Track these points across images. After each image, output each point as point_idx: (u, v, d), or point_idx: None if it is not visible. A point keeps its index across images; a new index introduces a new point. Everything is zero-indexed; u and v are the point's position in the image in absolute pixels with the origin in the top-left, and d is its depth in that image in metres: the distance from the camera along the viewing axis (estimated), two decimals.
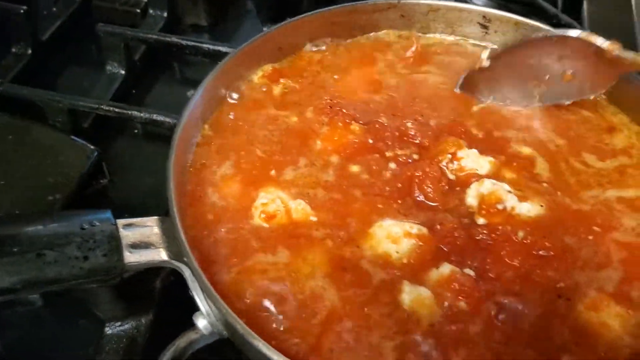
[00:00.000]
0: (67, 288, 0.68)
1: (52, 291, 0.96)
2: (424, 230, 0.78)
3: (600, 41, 0.89)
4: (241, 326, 0.66)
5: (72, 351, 0.95)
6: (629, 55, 0.88)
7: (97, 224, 0.70)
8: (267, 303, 0.73)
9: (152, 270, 0.93)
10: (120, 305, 0.92)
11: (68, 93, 1.16)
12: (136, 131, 1.24)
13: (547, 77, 0.95)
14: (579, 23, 1.33)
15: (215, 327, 0.74)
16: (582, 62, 0.92)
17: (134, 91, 1.31)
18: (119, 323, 0.93)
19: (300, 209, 0.80)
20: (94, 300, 0.92)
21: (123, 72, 1.26)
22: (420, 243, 0.76)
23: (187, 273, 0.73)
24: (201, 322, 0.75)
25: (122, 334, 0.92)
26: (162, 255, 0.73)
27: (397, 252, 0.76)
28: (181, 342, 0.81)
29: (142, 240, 0.73)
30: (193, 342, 0.81)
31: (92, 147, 1.07)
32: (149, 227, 0.75)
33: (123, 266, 0.70)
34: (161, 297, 0.95)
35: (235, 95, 0.95)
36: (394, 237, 0.77)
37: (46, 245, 0.66)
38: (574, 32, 0.91)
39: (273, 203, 0.81)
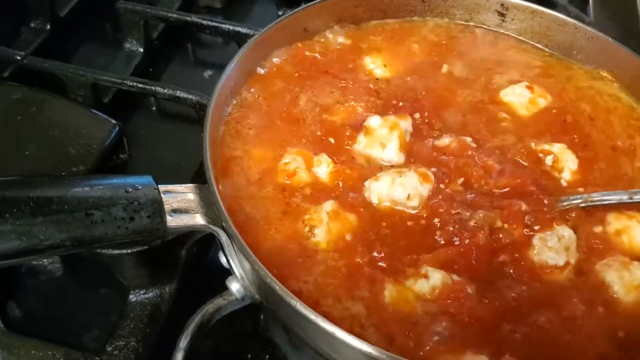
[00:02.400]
0: (110, 246, 0.70)
1: (75, 258, 1.01)
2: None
3: None
4: (279, 287, 0.69)
5: (95, 318, 0.97)
6: None
7: (140, 187, 0.72)
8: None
9: (178, 240, 0.96)
10: (145, 274, 0.95)
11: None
12: (153, 108, 1.26)
13: None
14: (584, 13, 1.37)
15: (248, 290, 0.77)
16: None
17: (151, 69, 1.33)
18: (143, 291, 0.95)
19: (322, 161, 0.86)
20: (119, 268, 0.94)
21: (141, 49, 1.28)
22: None
23: (223, 237, 0.75)
24: (234, 286, 0.78)
25: (146, 302, 0.95)
26: (200, 220, 0.76)
27: None
28: (209, 307, 0.84)
29: (181, 206, 0.75)
30: (221, 308, 0.84)
31: (114, 121, 1.10)
32: (185, 193, 0.78)
33: (165, 228, 0.73)
34: (185, 267, 0.97)
35: (263, 71, 0.98)
36: None
37: (93, 205, 0.68)
38: None
39: (294, 162, 0.85)
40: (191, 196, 0.78)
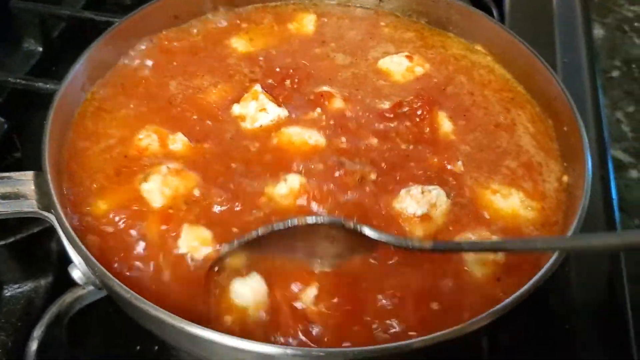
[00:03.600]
0: None
1: None
2: None
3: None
4: (98, 268, 0.68)
5: None
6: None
7: None
8: None
9: (45, 233, 0.95)
10: (17, 268, 0.94)
11: None
12: None
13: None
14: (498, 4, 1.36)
15: (88, 277, 0.77)
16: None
17: (53, 68, 1.32)
18: (17, 285, 0.95)
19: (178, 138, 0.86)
20: None
21: (40, 48, 1.28)
22: None
23: (56, 224, 0.75)
24: (76, 273, 0.77)
25: (19, 296, 0.94)
26: (32, 206, 0.75)
27: None
28: (67, 297, 0.84)
29: (14, 192, 0.75)
30: (80, 298, 0.84)
31: (1, 119, 1.09)
32: (24, 180, 0.78)
33: None
34: (60, 259, 0.97)
35: (126, 61, 0.98)
36: None
37: None
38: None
39: (147, 138, 0.86)
40: (28, 184, 0.77)
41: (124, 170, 0.83)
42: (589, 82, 1.28)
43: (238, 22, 1.06)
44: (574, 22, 1.43)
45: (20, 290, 0.95)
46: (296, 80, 0.96)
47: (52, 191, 0.74)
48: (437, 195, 0.83)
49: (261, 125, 0.90)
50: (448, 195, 0.84)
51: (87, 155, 0.85)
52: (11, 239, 0.90)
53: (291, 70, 0.97)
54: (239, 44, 1.03)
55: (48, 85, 1.12)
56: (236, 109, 0.93)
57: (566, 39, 1.37)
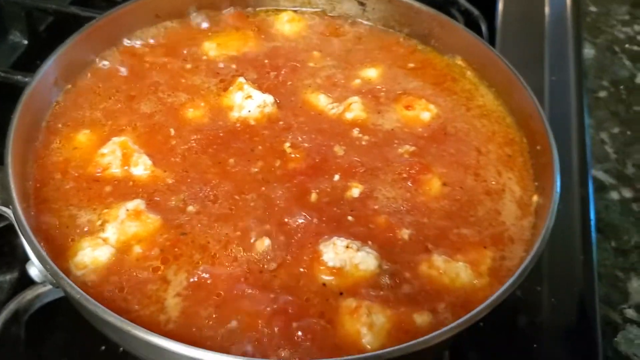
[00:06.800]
0: None
1: None
2: None
3: None
4: (51, 267, 0.67)
5: None
6: None
7: None
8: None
9: (13, 228, 0.94)
10: None
11: None
12: None
13: None
14: (488, 15, 1.35)
15: (44, 275, 0.76)
16: None
17: (37, 62, 1.31)
18: None
19: (140, 162, 0.83)
20: None
21: (25, 42, 1.27)
22: None
23: (13, 220, 0.74)
24: (33, 271, 0.76)
25: None
26: None
27: None
28: (27, 294, 0.82)
29: None
30: (41, 295, 0.82)
31: None
32: None
33: None
34: (26, 255, 0.96)
35: (101, 60, 0.97)
36: None
37: None
38: None
39: (111, 154, 0.83)
40: None
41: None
42: (576, 102, 1.28)
43: (216, 26, 1.05)
44: (565, 40, 1.42)
45: None
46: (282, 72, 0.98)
47: (12, 186, 0.73)
48: (362, 258, 0.76)
49: (249, 111, 0.91)
50: (379, 264, 0.76)
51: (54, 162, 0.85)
52: None
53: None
54: (208, 51, 1.02)
55: (27, 79, 1.11)
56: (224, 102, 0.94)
57: (556, 57, 1.37)
